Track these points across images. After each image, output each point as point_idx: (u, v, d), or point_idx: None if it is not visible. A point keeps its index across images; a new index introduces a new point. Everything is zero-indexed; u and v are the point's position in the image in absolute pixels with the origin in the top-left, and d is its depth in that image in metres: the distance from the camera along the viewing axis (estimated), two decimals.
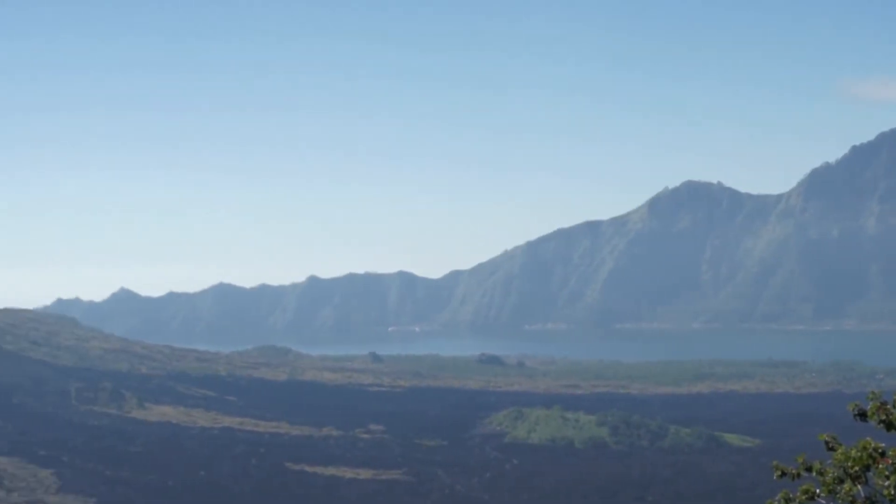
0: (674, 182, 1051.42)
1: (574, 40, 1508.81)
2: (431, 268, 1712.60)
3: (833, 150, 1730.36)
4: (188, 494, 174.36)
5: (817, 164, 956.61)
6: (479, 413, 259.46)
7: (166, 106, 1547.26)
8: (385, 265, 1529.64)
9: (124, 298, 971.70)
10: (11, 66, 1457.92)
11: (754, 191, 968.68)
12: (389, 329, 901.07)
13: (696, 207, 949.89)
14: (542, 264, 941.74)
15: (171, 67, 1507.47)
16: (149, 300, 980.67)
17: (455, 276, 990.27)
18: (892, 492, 25.17)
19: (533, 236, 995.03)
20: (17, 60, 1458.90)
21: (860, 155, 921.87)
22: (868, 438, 25.77)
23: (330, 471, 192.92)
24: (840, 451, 26.05)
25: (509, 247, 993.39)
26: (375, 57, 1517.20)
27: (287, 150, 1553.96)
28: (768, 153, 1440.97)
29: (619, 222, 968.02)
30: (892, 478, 25.25)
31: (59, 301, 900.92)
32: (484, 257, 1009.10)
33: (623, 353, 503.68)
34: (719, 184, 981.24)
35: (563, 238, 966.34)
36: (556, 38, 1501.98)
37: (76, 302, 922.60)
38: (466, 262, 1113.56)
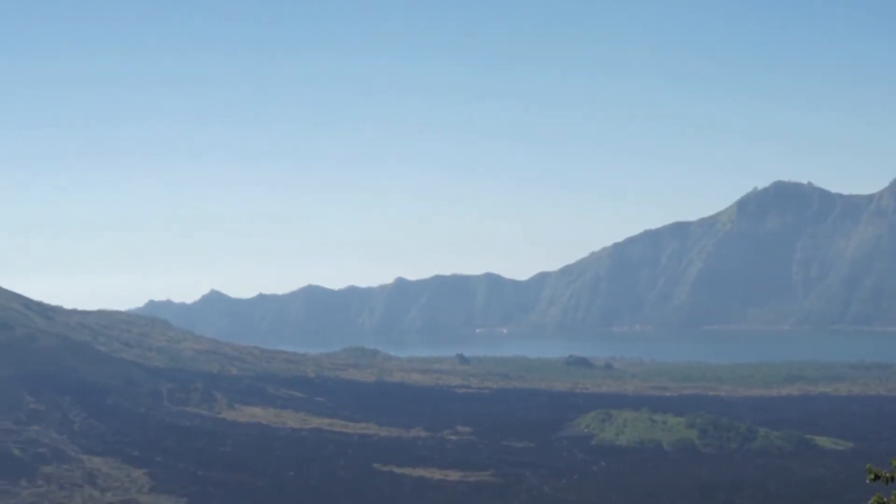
0: (763, 182, 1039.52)
1: (664, 38, 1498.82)
2: (518, 269, 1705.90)
3: None
4: (278, 495, 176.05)
5: None
6: (567, 415, 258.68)
7: (254, 118, 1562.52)
8: (472, 267, 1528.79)
9: (215, 300, 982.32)
10: (99, 79, 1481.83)
11: (845, 191, 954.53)
12: (476, 330, 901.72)
13: (785, 208, 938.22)
14: (630, 266, 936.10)
15: (252, 81, 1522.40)
16: (239, 302, 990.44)
17: (542, 277, 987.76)
18: None
19: (620, 237, 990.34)
20: (103, 73, 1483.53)
21: None
22: None
23: (418, 472, 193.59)
24: None
25: (596, 248, 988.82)
26: (469, 66, 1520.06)
27: (374, 153, 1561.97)
28: (859, 152, 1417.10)
29: (708, 223, 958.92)
30: None
31: (151, 303, 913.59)
32: (571, 259, 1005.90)
33: (711, 354, 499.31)
34: (809, 184, 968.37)
35: (651, 239, 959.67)
36: (643, 35, 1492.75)
37: (168, 304, 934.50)
38: (553, 264, 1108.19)
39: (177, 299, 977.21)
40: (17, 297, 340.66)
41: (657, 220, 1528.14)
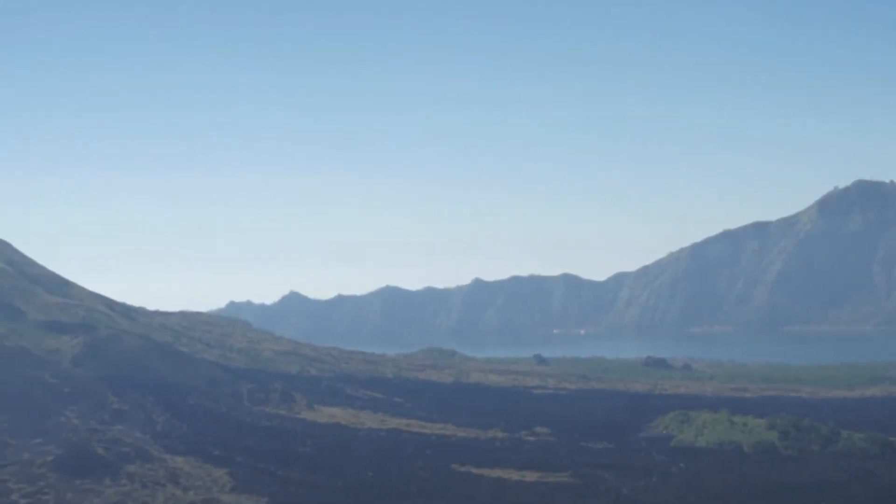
0: (844, 181, 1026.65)
1: (739, 40, 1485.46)
2: (596, 270, 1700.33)
3: None
4: (357, 495, 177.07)
5: None
6: (646, 416, 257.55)
7: (332, 125, 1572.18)
8: (549, 267, 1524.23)
9: (294, 301, 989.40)
10: (203, 85, 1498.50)
11: None
12: (554, 331, 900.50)
13: (867, 207, 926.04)
14: (709, 266, 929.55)
15: (337, 90, 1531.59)
16: (317, 303, 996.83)
17: (620, 278, 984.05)
18: None
19: (699, 238, 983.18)
20: (209, 80, 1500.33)
21: None
22: None
23: (496, 472, 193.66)
24: None
25: (675, 248, 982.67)
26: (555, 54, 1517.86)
27: (452, 152, 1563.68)
28: None
29: (788, 223, 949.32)
30: None
31: (232, 304, 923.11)
32: (649, 259, 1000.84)
33: (792, 355, 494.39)
34: (892, 182, 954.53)
35: (730, 239, 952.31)
36: (719, 36, 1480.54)
37: (248, 304, 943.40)
38: (631, 265, 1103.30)
39: (256, 300, 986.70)
40: (101, 299, 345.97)
41: (736, 220, 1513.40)
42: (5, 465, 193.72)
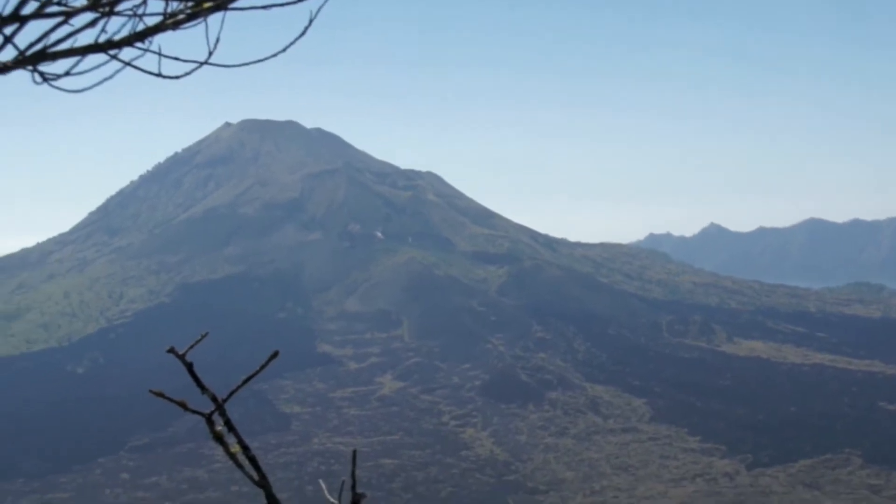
0: None
1: None
2: None
3: None
4: (778, 429, 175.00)
5: None
6: None
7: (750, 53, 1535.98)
8: None
9: (714, 234, 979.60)
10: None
11: None
12: None
13: None
14: None
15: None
16: (738, 235, 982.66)
17: None
18: None
19: None
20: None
21: None
22: None
23: None
24: None
25: None
26: None
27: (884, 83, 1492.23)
28: None
29: None
30: None
31: (651, 236, 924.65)
32: None
33: None
34: None
35: None
36: None
37: (667, 237, 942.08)
38: None
39: (676, 232, 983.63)
40: (525, 230, 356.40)
41: None
42: (437, 388, 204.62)
